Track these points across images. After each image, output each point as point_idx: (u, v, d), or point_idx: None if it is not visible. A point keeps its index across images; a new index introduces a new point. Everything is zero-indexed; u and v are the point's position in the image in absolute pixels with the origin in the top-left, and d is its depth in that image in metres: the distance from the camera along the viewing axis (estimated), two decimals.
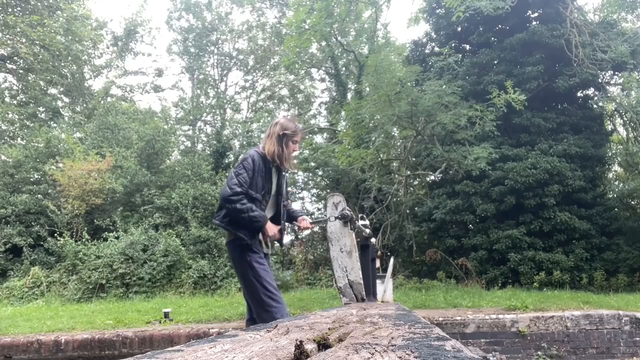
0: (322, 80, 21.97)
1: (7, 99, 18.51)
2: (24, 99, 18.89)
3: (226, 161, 17.28)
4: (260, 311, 3.08)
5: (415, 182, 15.08)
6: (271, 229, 3.36)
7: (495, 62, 12.90)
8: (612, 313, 6.10)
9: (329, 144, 15.40)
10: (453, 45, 13.52)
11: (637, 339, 6.05)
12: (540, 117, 11.87)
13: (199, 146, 20.55)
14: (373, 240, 4.68)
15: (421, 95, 9.64)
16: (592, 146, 11.92)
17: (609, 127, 14.90)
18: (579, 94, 13.14)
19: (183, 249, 11.78)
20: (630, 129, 14.35)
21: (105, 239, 11.89)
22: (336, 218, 4.03)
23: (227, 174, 16.41)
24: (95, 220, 12.80)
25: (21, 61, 17.80)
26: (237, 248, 3.20)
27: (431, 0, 14.26)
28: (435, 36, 14.68)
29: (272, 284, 3.22)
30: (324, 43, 16.78)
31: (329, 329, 1.31)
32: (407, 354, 0.81)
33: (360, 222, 4.43)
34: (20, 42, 16.93)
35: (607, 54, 10.93)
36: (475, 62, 12.86)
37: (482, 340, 5.93)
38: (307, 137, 18.29)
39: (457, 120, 9.56)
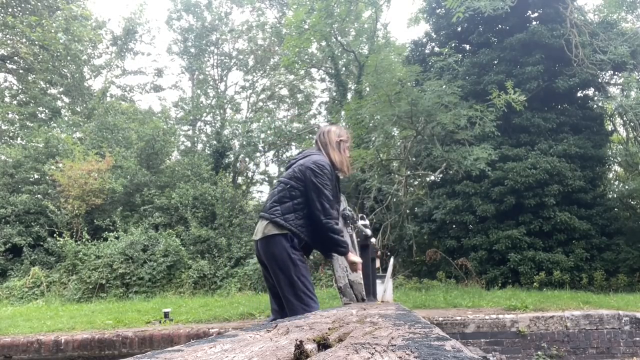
0: (322, 80, 21.97)
1: (7, 99, 18.51)
2: (24, 99, 18.89)
3: (226, 161, 17.28)
4: (299, 309, 2.98)
5: (415, 182, 15.07)
6: (356, 258, 3.37)
7: (495, 62, 12.91)
8: (612, 313, 6.10)
9: None
10: (453, 45, 13.52)
11: (637, 339, 6.05)
12: (540, 117, 11.87)
13: (199, 146, 20.56)
14: (373, 240, 4.68)
15: (421, 95, 9.63)
16: (592, 146, 11.92)
17: (609, 127, 14.90)
18: (579, 94, 13.15)
19: (183, 249, 11.79)
20: (630, 129, 14.36)
21: (105, 239, 11.89)
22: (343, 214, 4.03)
23: (227, 174, 16.43)
24: (95, 220, 12.80)
25: (21, 61, 17.81)
26: (285, 244, 3.06)
27: (431, 0, 14.27)
28: (435, 36, 14.68)
29: (311, 282, 3.17)
30: (324, 43, 16.77)
31: (329, 329, 1.31)
32: (407, 354, 0.81)
33: (360, 222, 4.43)
34: (20, 42, 16.93)
35: (607, 54, 10.93)
36: (475, 62, 12.86)
37: (482, 340, 5.93)
38: (307, 137, 18.31)
39: (457, 120, 9.56)
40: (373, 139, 12.10)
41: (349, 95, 17.27)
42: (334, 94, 19.58)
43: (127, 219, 12.83)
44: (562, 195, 11.25)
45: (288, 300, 3.08)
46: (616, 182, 16.32)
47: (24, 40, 16.75)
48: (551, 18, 12.27)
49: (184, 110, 21.43)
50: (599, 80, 12.52)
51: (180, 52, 22.99)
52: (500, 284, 10.64)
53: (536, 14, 13.20)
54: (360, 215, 4.90)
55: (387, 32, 19.29)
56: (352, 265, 3.40)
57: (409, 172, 12.98)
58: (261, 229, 3.15)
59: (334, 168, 3.29)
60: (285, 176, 3.25)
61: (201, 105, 21.20)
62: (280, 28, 19.82)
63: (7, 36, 17.40)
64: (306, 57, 18.32)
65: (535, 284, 10.29)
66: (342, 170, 3.36)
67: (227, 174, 16.59)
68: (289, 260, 3.04)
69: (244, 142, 16.80)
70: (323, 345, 1.00)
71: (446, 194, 12.42)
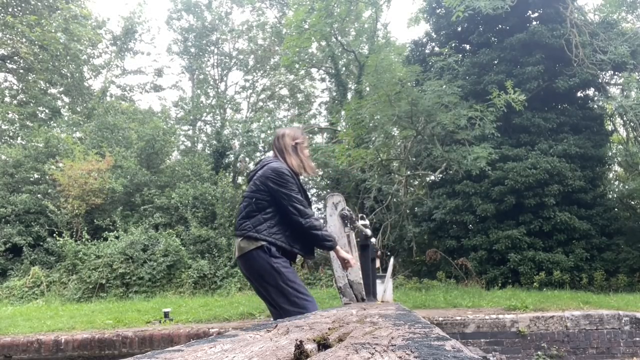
0: (322, 80, 21.99)
1: (7, 99, 18.52)
2: (24, 99, 18.90)
3: (226, 161, 17.28)
4: (296, 314, 3.01)
5: (415, 182, 15.08)
6: (346, 254, 3.35)
7: (496, 62, 12.91)
8: (612, 313, 6.10)
9: (329, 144, 15.39)
10: (453, 45, 13.52)
11: (637, 339, 6.05)
12: (540, 117, 11.87)
13: (199, 146, 20.57)
14: (373, 240, 4.68)
15: (421, 95, 9.63)
16: (592, 146, 11.92)
17: (609, 128, 14.90)
18: (579, 94, 13.14)
19: (183, 248, 11.78)
20: (630, 129, 14.34)
21: (105, 239, 11.89)
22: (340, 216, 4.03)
23: (227, 174, 16.43)
24: (95, 220, 12.80)
25: (21, 61, 17.81)
26: (263, 255, 3.04)
27: (431, 0, 14.27)
28: (435, 36, 14.68)
29: (301, 284, 3.16)
30: (324, 43, 16.79)
31: (329, 329, 1.31)
32: (407, 353, 0.81)
33: (360, 222, 4.43)
34: (20, 42, 16.94)
35: (607, 54, 10.93)
36: (475, 62, 12.86)
37: (482, 340, 5.93)
38: (307, 137, 18.29)
39: (457, 120, 9.56)
40: (373, 139, 12.10)
41: (349, 95, 17.28)
42: (334, 93, 19.59)
43: (127, 219, 12.83)
44: (562, 195, 11.25)
45: (283, 309, 3.05)
46: (616, 182, 16.32)
47: (24, 40, 16.75)
48: (551, 18, 12.26)
49: (184, 110, 21.44)
50: (599, 81, 12.51)
51: (180, 52, 23.02)
52: (500, 284, 10.64)
53: (536, 14, 13.20)
54: (360, 215, 4.90)
55: (387, 32, 19.31)
56: (343, 263, 3.37)
57: (409, 172, 12.98)
58: (238, 246, 3.14)
59: (297, 172, 3.28)
60: (248, 191, 3.22)
61: (201, 105, 21.21)
62: (280, 28, 19.84)
63: (7, 36, 17.40)
64: (306, 57, 18.32)
65: (535, 284, 10.29)
66: (302, 173, 3.34)
67: (227, 174, 16.59)
68: (272, 271, 3.02)
69: (244, 142, 16.80)
70: (323, 345, 1.00)
71: (446, 194, 12.42)
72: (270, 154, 3.45)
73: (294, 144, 3.33)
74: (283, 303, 3.05)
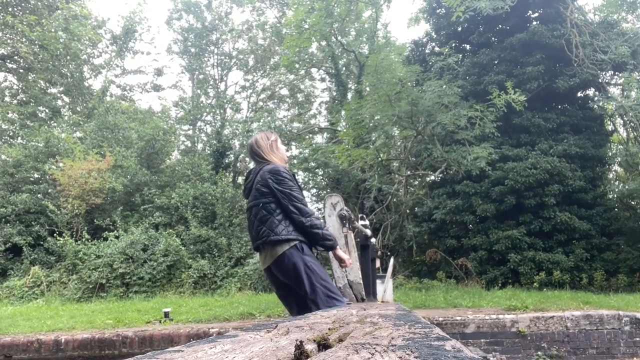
0: (322, 80, 21.99)
1: (7, 99, 18.52)
2: (24, 99, 18.90)
3: (226, 161, 17.29)
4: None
5: (416, 182, 15.08)
6: (344, 254, 3.39)
7: (496, 62, 12.90)
8: (612, 313, 6.09)
9: (329, 144, 15.40)
10: (453, 45, 13.52)
11: (637, 339, 6.05)
12: (541, 118, 11.87)
13: (199, 146, 20.57)
14: (373, 240, 4.68)
15: (421, 95, 9.63)
16: (592, 146, 11.92)
17: (610, 128, 14.90)
18: (579, 94, 13.14)
19: (183, 248, 11.78)
20: (630, 129, 14.34)
21: (106, 239, 11.88)
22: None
23: (227, 174, 16.43)
24: (95, 220, 12.80)
25: (21, 60, 17.81)
26: (297, 254, 3.08)
27: (431, 0, 14.27)
28: (435, 36, 14.68)
29: (332, 283, 3.23)
30: (324, 43, 16.79)
31: (329, 329, 1.31)
32: (407, 354, 0.81)
33: (361, 223, 4.43)
34: (20, 42, 16.94)
35: (607, 54, 10.92)
36: (475, 62, 12.86)
37: (482, 340, 5.93)
38: (307, 137, 18.32)
39: (457, 120, 9.56)
40: (373, 139, 12.09)
41: (349, 95, 17.28)
42: (334, 93, 19.59)
43: (127, 219, 12.82)
44: (562, 195, 11.25)
45: (318, 307, 3.10)
46: (616, 182, 16.32)
47: (24, 39, 16.75)
48: (551, 18, 12.26)
49: (184, 109, 21.44)
50: (599, 81, 12.51)
51: (181, 51, 23.02)
52: (500, 284, 10.64)
53: (536, 14, 13.20)
54: (360, 215, 4.91)
55: (387, 32, 19.30)
56: (340, 262, 3.41)
57: (409, 172, 12.98)
58: (265, 255, 3.16)
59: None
60: (252, 199, 3.24)
61: (201, 104, 21.21)
62: (280, 28, 19.84)
63: (7, 36, 17.40)
64: (306, 56, 18.33)
65: (535, 284, 10.29)
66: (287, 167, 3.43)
67: (227, 174, 16.60)
68: (307, 269, 3.08)
69: (244, 142, 16.80)
70: (323, 345, 1.00)
71: (446, 194, 12.42)
72: (255, 165, 3.46)
73: (270, 143, 3.37)
74: (317, 303, 3.10)
